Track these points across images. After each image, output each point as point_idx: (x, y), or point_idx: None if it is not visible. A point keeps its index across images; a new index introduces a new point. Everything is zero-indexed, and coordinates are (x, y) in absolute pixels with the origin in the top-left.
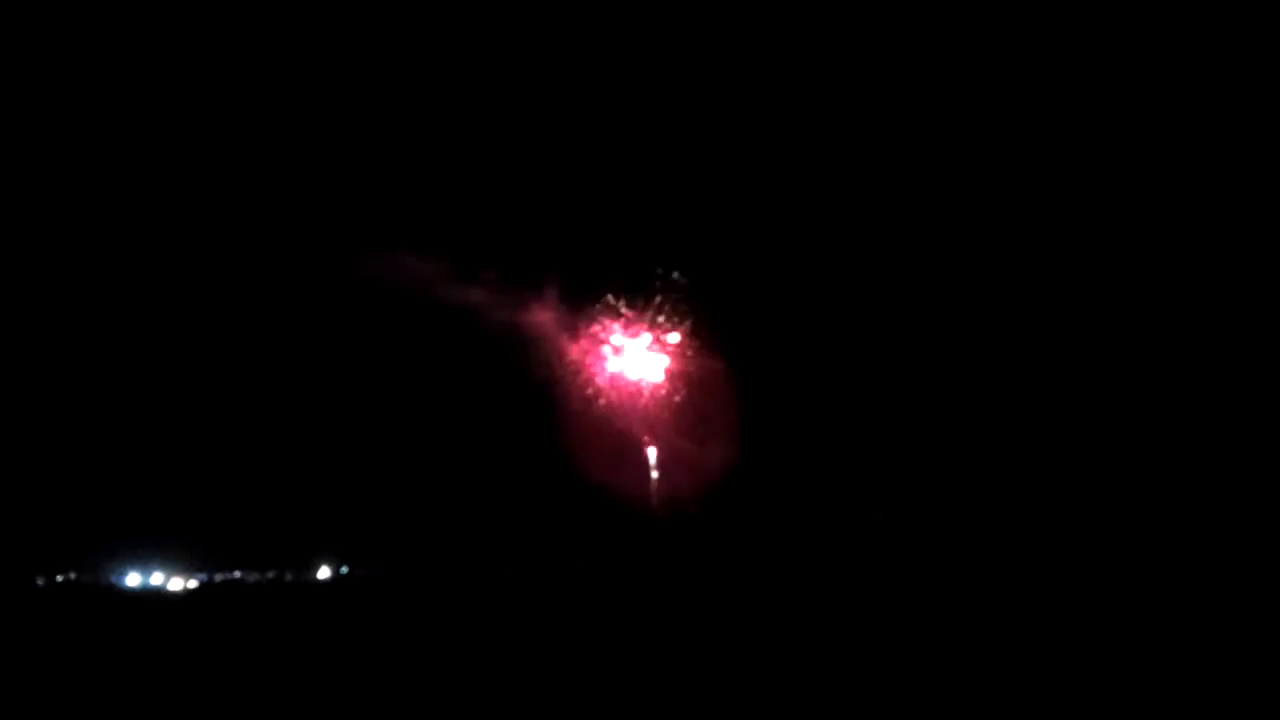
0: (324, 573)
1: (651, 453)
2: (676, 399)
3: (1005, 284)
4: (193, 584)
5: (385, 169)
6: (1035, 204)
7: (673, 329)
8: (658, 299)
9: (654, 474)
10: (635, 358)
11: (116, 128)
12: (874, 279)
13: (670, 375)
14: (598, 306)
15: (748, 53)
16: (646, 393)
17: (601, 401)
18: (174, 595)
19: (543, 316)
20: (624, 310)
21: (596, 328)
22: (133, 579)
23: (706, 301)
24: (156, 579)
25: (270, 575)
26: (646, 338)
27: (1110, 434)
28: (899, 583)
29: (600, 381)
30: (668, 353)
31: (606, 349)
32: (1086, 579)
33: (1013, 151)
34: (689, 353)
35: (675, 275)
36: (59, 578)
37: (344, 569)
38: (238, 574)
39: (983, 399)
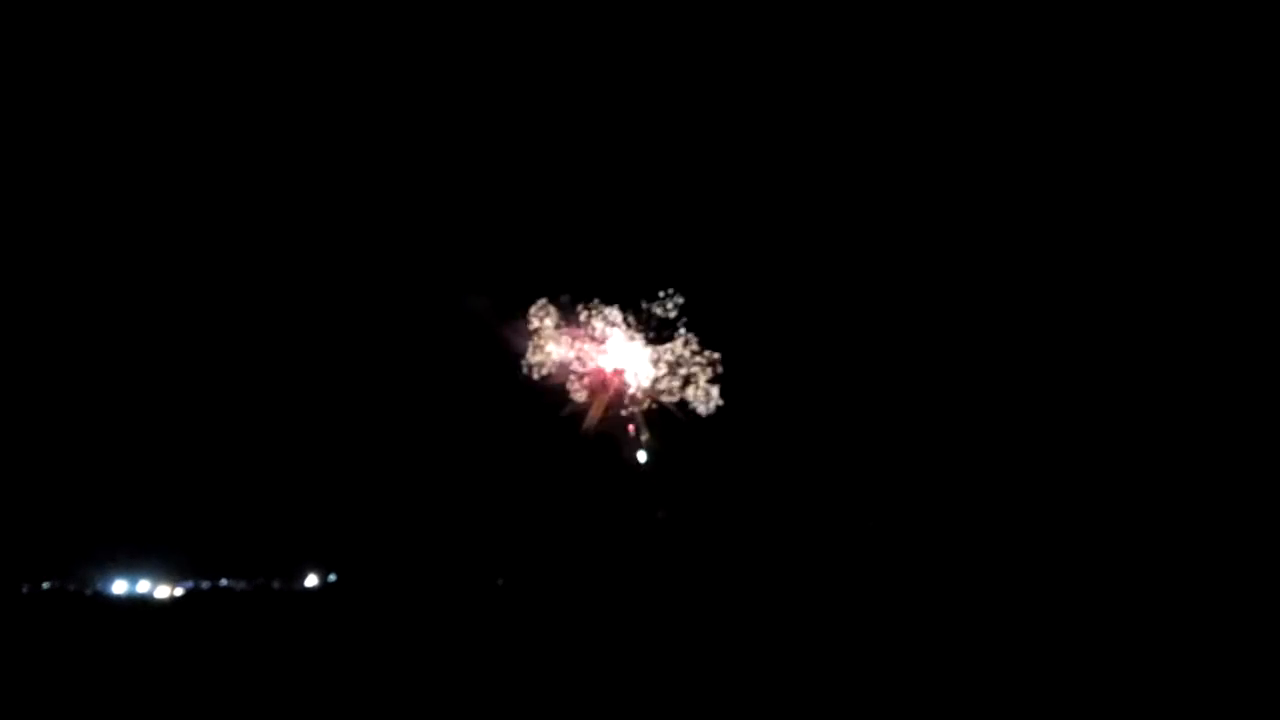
0: (311, 581)
1: (641, 455)
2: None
3: (997, 291)
4: (179, 592)
5: (369, 176)
6: (1019, 213)
7: (666, 334)
8: (651, 305)
9: (640, 467)
10: (627, 361)
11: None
12: (864, 286)
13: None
14: (589, 310)
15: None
16: (637, 396)
17: (591, 406)
18: (160, 603)
19: (528, 318)
20: (616, 315)
21: (587, 330)
22: (119, 586)
23: (700, 308)
24: (143, 586)
25: (257, 583)
26: (639, 342)
27: (1106, 436)
28: (888, 586)
29: (590, 384)
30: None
31: (596, 351)
32: (1082, 581)
33: (993, 169)
34: (680, 357)
35: (669, 291)
36: (45, 585)
37: (331, 577)
38: (224, 582)
39: (976, 405)
